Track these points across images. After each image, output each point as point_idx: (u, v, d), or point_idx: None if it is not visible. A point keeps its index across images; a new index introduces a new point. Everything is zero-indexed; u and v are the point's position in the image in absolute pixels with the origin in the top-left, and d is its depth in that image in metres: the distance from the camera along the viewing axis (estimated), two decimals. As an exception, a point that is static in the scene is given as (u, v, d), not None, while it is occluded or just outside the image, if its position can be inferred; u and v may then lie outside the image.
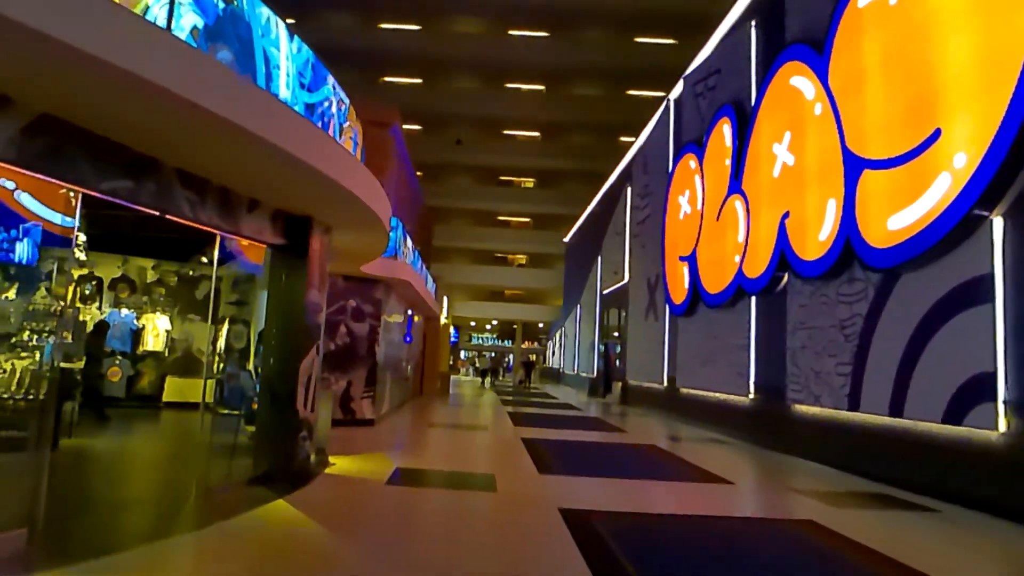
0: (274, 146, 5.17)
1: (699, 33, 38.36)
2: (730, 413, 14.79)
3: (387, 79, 46.99)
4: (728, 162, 15.18)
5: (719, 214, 15.57)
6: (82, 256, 11.42)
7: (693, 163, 17.71)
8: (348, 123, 7.25)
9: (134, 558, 4.54)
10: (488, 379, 41.99)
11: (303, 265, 7.25)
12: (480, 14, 45.03)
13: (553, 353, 52.46)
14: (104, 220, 10.68)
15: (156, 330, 13.29)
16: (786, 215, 12.15)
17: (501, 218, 53.00)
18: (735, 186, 14.70)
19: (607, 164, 42.79)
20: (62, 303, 12.33)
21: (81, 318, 12.30)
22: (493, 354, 56.08)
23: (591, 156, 47.61)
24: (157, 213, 5.48)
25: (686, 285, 17.67)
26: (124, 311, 12.83)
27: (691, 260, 17.31)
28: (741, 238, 14.20)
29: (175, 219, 5.69)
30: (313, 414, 7.45)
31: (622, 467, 10.01)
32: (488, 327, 56.13)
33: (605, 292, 30.54)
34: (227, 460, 6.97)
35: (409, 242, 14.77)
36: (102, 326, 11.12)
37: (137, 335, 13.08)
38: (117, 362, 12.54)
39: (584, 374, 35.54)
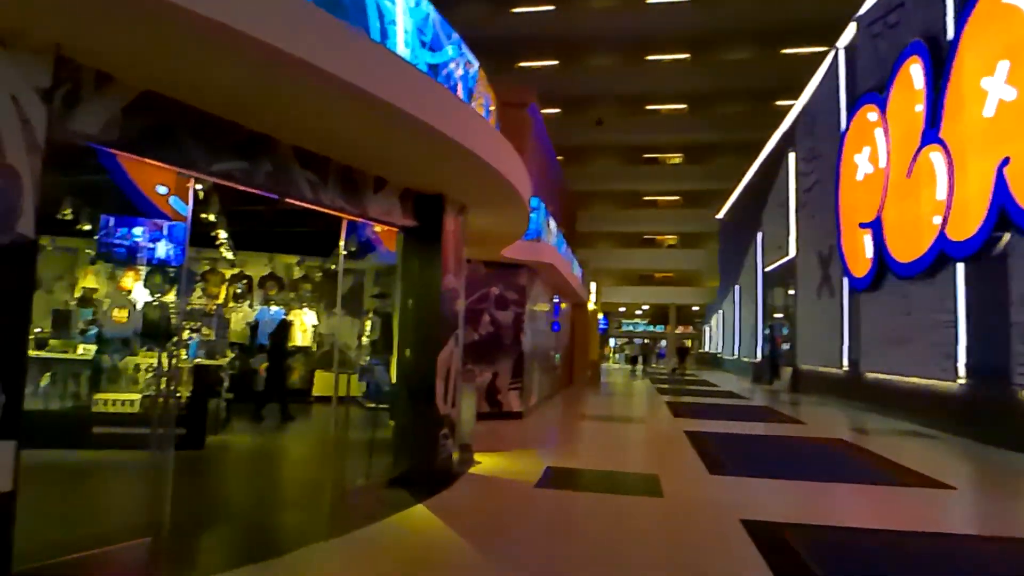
0: (399, 111, 4.49)
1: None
2: (932, 401, 12.59)
3: (522, 64, 46.48)
4: (920, 108, 12.88)
5: (910, 170, 13.29)
6: (229, 255, 11.70)
7: (873, 115, 15.37)
8: (479, 88, 6.49)
9: (257, 574, 4.06)
10: (639, 366, 40.55)
11: (436, 249, 6.62)
12: (617, -13, 43.28)
13: (710, 337, 49.72)
14: (247, 217, 10.79)
15: (303, 325, 13.49)
16: (1005, 161, 9.93)
17: (647, 198, 50.90)
18: (931, 135, 12.42)
19: (762, 133, 39.38)
20: (217, 303, 12.88)
21: (231, 316, 12.70)
22: (644, 340, 54.26)
23: (743, 125, 44.22)
24: (276, 197, 5.02)
25: (869, 255, 15.41)
26: (273, 308, 13.11)
27: (875, 226, 15.05)
28: (941, 195, 11.95)
29: (296, 203, 5.20)
30: (455, 409, 6.83)
31: (808, 466, 8.55)
32: (638, 312, 54.34)
33: (768, 269, 28.06)
34: (367, 458, 6.50)
35: (552, 224, 13.96)
36: (284, 325, 11.25)
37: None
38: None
39: (746, 359, 33.08)
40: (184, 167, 4.34)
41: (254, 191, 4.83)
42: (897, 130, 14.03)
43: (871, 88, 15.65)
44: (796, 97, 35.26)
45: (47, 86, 3.41)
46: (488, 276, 12.08)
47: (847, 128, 17.22)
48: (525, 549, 4.86)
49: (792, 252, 23.75)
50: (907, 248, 13.38)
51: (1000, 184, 10.04)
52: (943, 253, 11.90)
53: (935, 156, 12.18)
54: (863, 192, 15.94)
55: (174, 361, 7.24)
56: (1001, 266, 10.43)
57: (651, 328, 55.20)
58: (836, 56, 18.87)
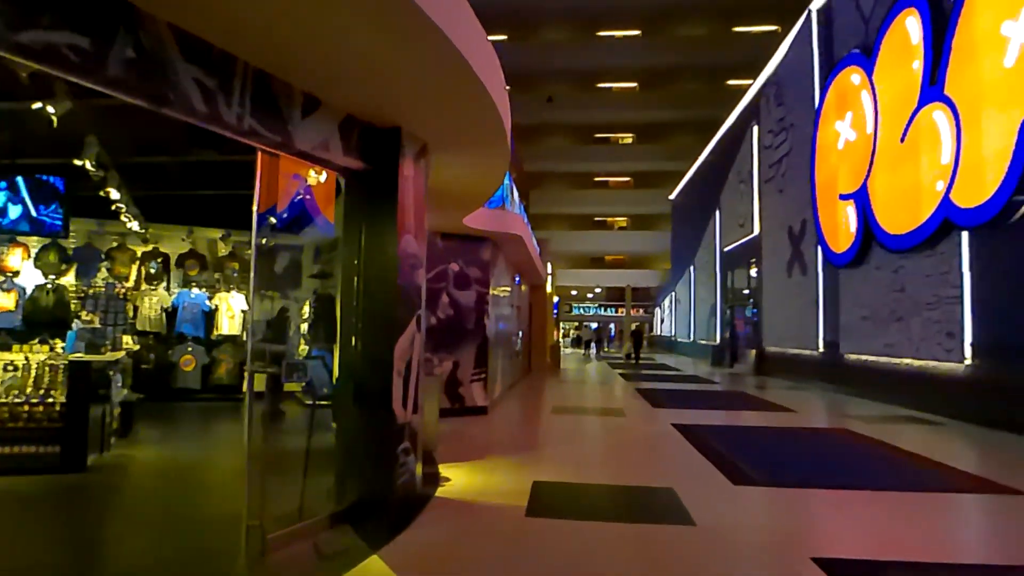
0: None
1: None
2: (932, 384, 11.59)
3: (472, 40, 44.47)
4: (917, 65, 11.77)
5: (905, 134, 12.21)
6: (135, 225, 9.73)
7: (857, 77, 14.27)
8: None
9: None
10: (592, 350, 39.68)
11: (391, 201, 4.93)
12: (567, -42, 41.61)
13: (662, 320, 49.16)
14: (148, 175, 8.82)
15: (231, 311, 11.57)
16: (1033, 115, 8.83)
17: (599, 179, 49.82)
18: (932, 93, 11.32)
19: (715, 112, 38.67)
20: (127, 285, 10.83)
21: (146, 300, 10.70)
22: (596, 325, 53.37)
23: (696, 104, 43.49)
24: (144, 104, 3.27)
25: (853, 228, 14.37)
26: (195, 291, 11.15)
27: (859, 196, 14.00)
28: (946, 159, 10.87)
29: (181, 118, 3.46)
30: (417, 415, 5.18)
31: (841, 470, 7.24)
32: (590, 296, 53.39)
33: (727, 249, 27.18)
34: (303, 481, 4.80)
35: (516, 193, 12.38)
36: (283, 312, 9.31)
37: (211, 317, 11.39)
38: (190, 349, 10.90)
39: (703, 341, 32.34)
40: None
41: (106, 90, 3.08)
42: (888, 91, 12.94)
43: (854, 49, 14.54)
44: (750, 76, 34.48)
45: None
46: (446, 250, 10.42)
47: (825, 93, 16.14)
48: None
49: (756, 230, 22.82)
50: (901, 218, 12.33)
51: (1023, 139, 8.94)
52: (947, 221, 10.84)
53: (938, 116, 11.09)
54: (845, 161, 14.89)
55: (40, 358, 5.36)
56: (1019, 234, 9.39)
57: (602, 312, 54.41)
58: (808, 19, 17.76)
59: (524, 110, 43.05)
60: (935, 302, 11.46)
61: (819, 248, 16.69)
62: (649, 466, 7.28)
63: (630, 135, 48.41)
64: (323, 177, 6.00)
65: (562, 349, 37.64)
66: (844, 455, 8.04)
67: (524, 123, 42.63)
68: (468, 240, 10.60)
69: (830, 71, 15.93)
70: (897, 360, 12.85)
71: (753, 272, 23.53)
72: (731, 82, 42.90)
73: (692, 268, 35.25)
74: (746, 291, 24.72)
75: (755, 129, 23.06)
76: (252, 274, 4.15)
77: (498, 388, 12.12)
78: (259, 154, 4.03)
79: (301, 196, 6.43)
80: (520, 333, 17.88)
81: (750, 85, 26.90)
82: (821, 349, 16.83)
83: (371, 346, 4.86)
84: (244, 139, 3.80)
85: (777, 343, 20.28)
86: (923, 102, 11.58)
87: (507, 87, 10.84)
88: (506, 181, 10.94)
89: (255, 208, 4.08)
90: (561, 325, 49.34)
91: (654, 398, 13.66)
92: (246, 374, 4.53)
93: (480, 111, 4.66)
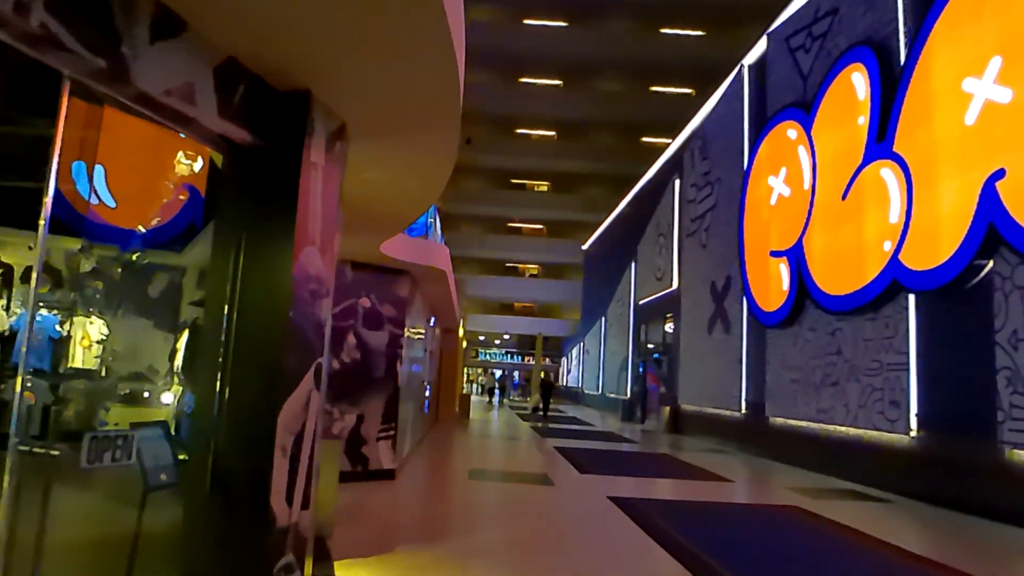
0: None
1: (736, 25, 35.04)
2: (873, 456, 10.91)
3: (391, 73, 43.32)
4: (863, 120, 11.42)
5: (847, 191, 11.79)
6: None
7: (794, 132, 13.96)
8: None
9: None
10: (496, 398, 39.12)
11: (290, 197, 3.38)
12: (493, 1, 41.50)
13: (568, 371, 48.53)
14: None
15: (88, 339, 9.37)
16: (998, 175, 8.36)
17: (513, 224, 49.21)
18: (880, 150, 10.93)
19: (630, 166, 39.17)
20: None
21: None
22: (500, 372, 52.11)
23: (611, 158, 44.00)
24: None
25: (785, 286, 13.84)
26: (43, 312, 8.93)
27: (793, 254, 13.51)
28: (895, 218, 10.40)
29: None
30: (308, 512, 3.54)
31: (823, 566, 6.09)
32: (497, 342, 52.18)
33: (643, 302, 26.72)
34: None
35: (439, 224, 10.98)
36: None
37: (60, 346, 9.15)
38: (29, 385, 8.61)
39: (612, 395, 31.64)
40: None
41: None
42: (829, 147, 12.59)
43: (791, 104, 14.29)
44: (664, 135, 35.12)
45: None
46: (357, 282, 8.80)
47: (757, 148, 15.84)
48: None
49: (675, 284, 22.38)
50: (841, 278, 11.81)
51: (988, 200, 8.46)
52: (895, 283, 10.30)
53: (886, 173, 10.67)
54: (778, 217, 14.47)
55: None
56: (978, 298, 8.86)
57: (508, 358, 53.27)
58: (740, 74, 17.66)
59: (441, 149, 42.04)
60: (877, 368, 10.85)
61: (744, 305, 16.16)
62: (605, 563, 5.83)
63: (546, 183, 48.31)
64: (198, 164, 4.47)
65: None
66: (813, 544, 6.93)
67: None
68: (383, 272, 9.04)
69: (763, 126, 15.67)
70: (831, 427, 12.19)
71: (669, 327, 23.00)
72: (646, 139, 43.82)
73: (603, 320, 34.76)
74: (660, 346, 24.15)
75: (677, 182, 22.85)
76: (32, 285, 2.50)
77: (407, 445, 10.43)
78: (65, 90, 2.43)
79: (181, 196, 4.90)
80: (427, 381, 16.24)
81: (666, 143, 27.18)
82: (743, 410, 16.17)
83: (243, 409, 3.23)
84: (32, 50, 2.20)
85: (694, 401, 19.58)
86: (869, 159, 11.18)
87: None
88: (430, 209, 9.54)
89: (47, 194, 2.47)
90: (466, 371, 47.72)
91: (576, 460, 12.32)
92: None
93: (432, 77, 3.25)
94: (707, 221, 19.35)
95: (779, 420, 14.24)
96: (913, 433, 10.00)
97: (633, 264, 28.68)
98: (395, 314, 9.15)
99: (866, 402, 11.07)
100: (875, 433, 10.85)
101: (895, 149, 10.50)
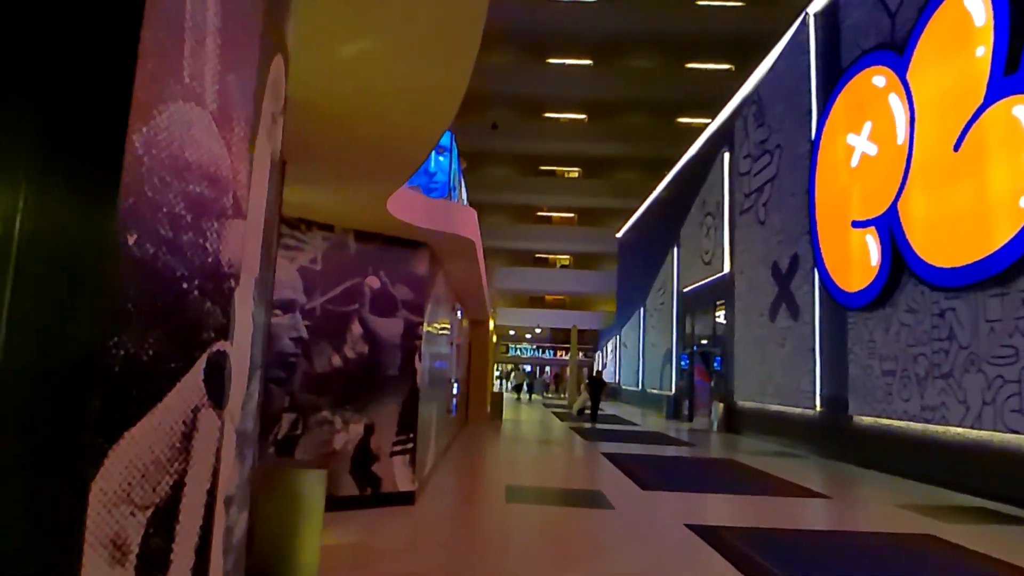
0: None
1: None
2: (1009, 465, 8.78)
3: (413, 58, 41.51)
4: (982, 51, 9.26)
5: (960, 140, 9.64)
6: None
7: (882, 79, 11.80)
8: None
9: None
10: (525, 394, 38.12)
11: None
12: (518, -22, 39.46)
13: (604, 365, 46.40)
14: None
15: None
16: None
17: (542, 214, 47.20)
18: (1008, 85, 8.78)
19: (664, 148, 36.89)
20: None
21: None
22: (529, 368, 50.23)
23: (645, 139, 41.72)
24: None
25: (875, 261, 11.72)
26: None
27: (884, 222, 11.38)
28: (1038, 166, 8.27)
29: None
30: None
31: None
32: (528, 336, 50.25)
33: (688, 289, 24.58)
34: None
35: (464, 189, 9.12)
36: None
37: None
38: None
39: (654, 390, 29.54)
40: None
41: None
42: (932, 90, 10.44)
43: (876, 47, 12.13)
44: (700, 114, 32.79)
45: None
46: (361, 257, 6.98)
47: (831, 105, 13.68)
48: None
49: (726, 267, 20.25)
50: (954, 247, 9.69)
51: None
52: (1042, 249, 8.17)
53: (1021, 112, 8.51)
54: (862, 180, 12.33)
55: None
56: None
57: (539, 353, 51.35)
58: (804, 24, 15.47)
59: (467, 136, 40.24)
60: (1010, 356, 8.72)
61: (817, 286, 14.05)
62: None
63: (576, 169, 46.19)
64: None
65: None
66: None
67: (466, 150, 39.74)
68: (395, 245, 7.20)
69: (838, 78, 13.50)
70: (940, 428, 10.07)
71: (720, 315, 20.87)
72: (682, 119, 41.49)
73: (642, 311, 32.64)
74: (710, 337, 22.02)
75: (727, 156, 20.69)
76: None
77: (429, 459, 8.60)
78: None
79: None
80: (455, 378, 14.40)
81: (703, 123, 25.04)
82: (817, 407, 14.06)
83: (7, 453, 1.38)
84: None
85: (753, 397, 17.48)
86: (993, 97, 9.03)
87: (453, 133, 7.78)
88: (454, 166, 7.66)
89: None
90: (497, 367, 45.93)
91: (632, 471, 10.38)
92: None
93: None
94: (766, 194, 17.20)
95: (867, 419, 12.13)
96: (1068, 438, 7.89)
97: (675, 249, 26.53)
98: (412, 297, 7.30)
99: (995, 398, 8.94)
100: (1009, 436, 8.72)
101: (1036, 79, 8.35)
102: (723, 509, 8.09)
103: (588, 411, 21.34)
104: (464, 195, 9.22)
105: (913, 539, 6.72)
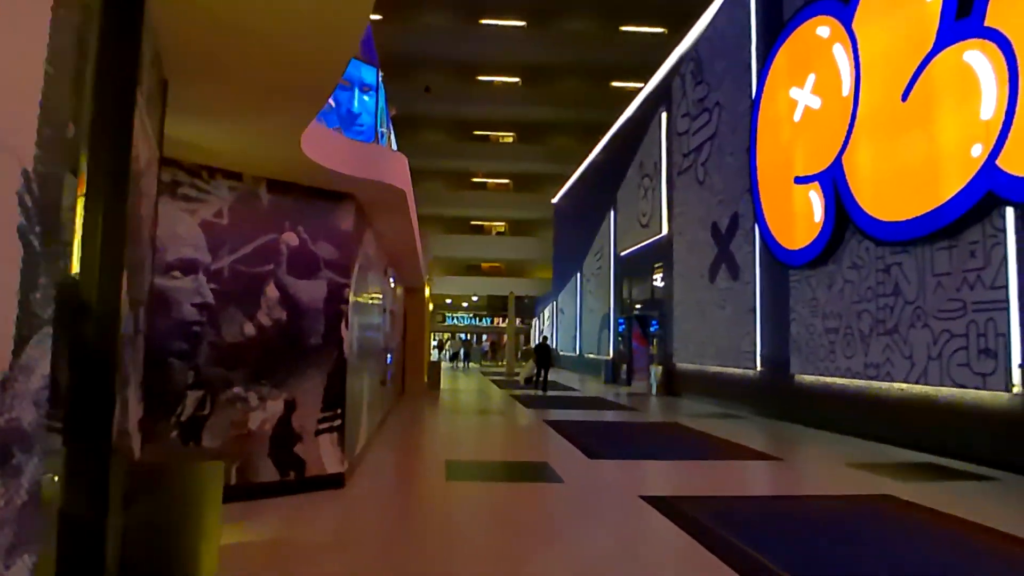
0: None
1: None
2: (956, 420, 8.72)
3: (339, 16, 39.37)
4: (933, -4, 8.96)
5: (908, 89, 9.38)
6: None
7: (826, 29, 11.47)
8: None
9: None
10: (463, 363, 38.09)
11: None
12: (448, -67, 37.81)
13: (541, 331, 46.23)
14: None
15: None
16: None
17: (477, 180, 46.23)
18: (961, 29, 8.50)
19: (599, 113, 36.40)
20: None
21: None
22: (465, 336, 49.68)
23: (580, 103, 41.15)
24: None
25: (818, 217, 11.51)
26: None
27: (828, 177, 11.15)
28: (988, 113, 8.03)
29: None
30: None
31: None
32: (465, 305, 49.54)
33: (625, 253, 24.33)
34: None
35: (394, 138, 8.27)
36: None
37: None
38: None
39: (592, 355, 29.45)
40: None
41: None
42: (879, 39, 10.14)
43: (820, -4, 11.77)
44: (636, 79, 32.37)
45: None
46: (276, 210, 6.09)
47: (772, 58, 13.34)
48: None
49: (664, 229, 20.01)
50: (901, 200, 9.48)
51: None
52: (991, 196, 7.97)
53: (974, 57, 8.25)
54: (805, 135, 12.06)
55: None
56: None
57: (476, 322, 50.77)
58: (745, -23, 15.04)
59: (399, 99, 38.68)
60: (958, 309, 8.59)
61: (758, 246, 13.85)
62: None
63: (511, 134, 45.30)
64: None
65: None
66: (949, 556, 4.62)
67: (398, 114, 38.24)
68: (315, 196, 6.32)
69: (779, 31, 13.15)
70: (884, 385, 9.99)
71: (658, 278, 20.68)
72: (616, 83, 41.08)
73: (579, 276, 32.38)
74: (648, 300, 21.85)
75: (664, 116, 20.30)
76: None
77: (361, 436, 7.85)
78: None
79: None
80: (390, 348, 13.59)
81: (637, 87, 24.60)
82: (758, 367, 13.97)
83: None
84: None
85: (692, 359, 17.38)
86: (944, 43, 8.76)
87: (381, 73, 6.89)
88: (382, 107, 6.82)
89: None
90: (433, 336, 45.09)
91: (577, 439, 9.91)
92: None
93: None
94: (705, 153, 16.89)
95: (808, 378, 12.05)
96: (1016, 389, 7.79)
97: (612, 213, 26.21)
98: (336, 256, 6.47)
99: (941, 352, 8.84)
100: (956, 391, 8.63)
101: (989, 24, 8.07)
102: (675, 476, 7.69)
103: (536, 381, 19.37)
104: (394, 143, 8.36)
105: (871, 500, 6.45)
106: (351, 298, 6.69)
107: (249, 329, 5.92)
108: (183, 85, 3.81)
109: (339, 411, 6.43)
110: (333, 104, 6.21)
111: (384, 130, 7.34)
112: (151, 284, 4.62)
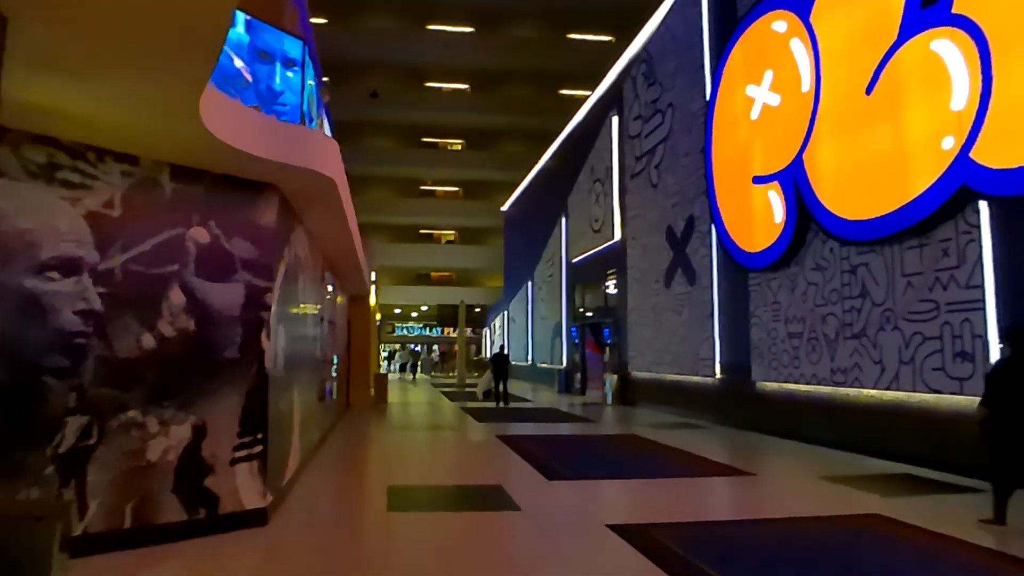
0: None
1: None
2: (930, 427, 8.29)
3: (280, 17, 38.00)
4: (896, -15, 8.61)
5: (873, 82, 9.01)
6: None
7: (782, 24, 11.11)
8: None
9: None
10: (410, 374, 37.22)
11: None
12: (393, -64, 36.93)
13: (492, 341, 45.41)
14: None
15: None
16: None
17: (425, 188, 45.25)
18: (927, 17, 8.15)
19: (547, 120, 35.97)
20: None
21: None
22: (415, 347, 48.55)
23: (528, 110, 40.66)
24: None
25: (779, 218, 11.10)
26: None
27: (789, 175, 10.75)
28: (959, 103, 7.67)
29: None
30: None
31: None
32: (415, 315, 48.36)
33: (577, 260, 23.80)
34: None
35: (327, 122, 7.41)
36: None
37: None
38: None
39: (544, 364, 28.78)
40: None
41: None
42: (839, 31, 9.78)
43: (777, -10, 11.42)
44: (583, 87, 32.03)
45: None
46: (180, 201, 5.17)
47: (726, 56, 12.95)
48: None
49: (616, 235, 19.52)
50: (867, 198, 9.09)
51: None
52: (965, 191, 7.58)
53: (943, 46, 7.89)
54: (763, 134, 11.66)
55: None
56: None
57: (427, 332, 49.63)
58: (697, -25, 14.69)
59: (345, 105, 37.54)
60: (930, 311, 8.19)
61: (715, 249, 13.42)
62: None
63: (459, 141, 44.49)
64: None
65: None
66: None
67: (344, 119, 37.02)
68: (230, 186, 5.43)
69: (733, 28, 12.78)
70: (853, 391, 9.56)
71: (612, 285, 20.17)
72: (564, 91, 40.81)
73: (530, 284, 31.75)
74: (602, 307, 21.32)
75: (615, 119, 19.87)
76: None
77: (291, 462, 6.91)
78: None
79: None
80: (336, 363, 12.59)
81: (585, 95, 24.22)
82: (717, 375, 13.50)
83: None
84: None
85: (648, 367, 16.87)
86: (909, 32, 8.40)
87: (325, 78, 6.08)
88: (310, 86, 5.97)
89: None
90: (382, 348, 43.79)
91: (535, 458, 9.15)
92: None
93: None
94: (658, 156, 16.46)
95: (771, 385, 11.60)
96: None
97: (563, 220, 25.67)
98: (256, 255, 5.57)
99: (913, 356, 8.42)
100: (930, 396, 8.22)
101: (957, 11, 7.72)
102: (643, 499, 7.00)
103: (494, 394, 17.92)
104: (328, 130, 7.50)
105: (860, 521, 5.88)
106: (275, 304, 5.80)
107: (148, 341, 4.98)
108: (32, 24, 2.93)
109: (260, 435, 5.52)
110: (250, 79, 5.34)
111: (315, 115, 6.49)
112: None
